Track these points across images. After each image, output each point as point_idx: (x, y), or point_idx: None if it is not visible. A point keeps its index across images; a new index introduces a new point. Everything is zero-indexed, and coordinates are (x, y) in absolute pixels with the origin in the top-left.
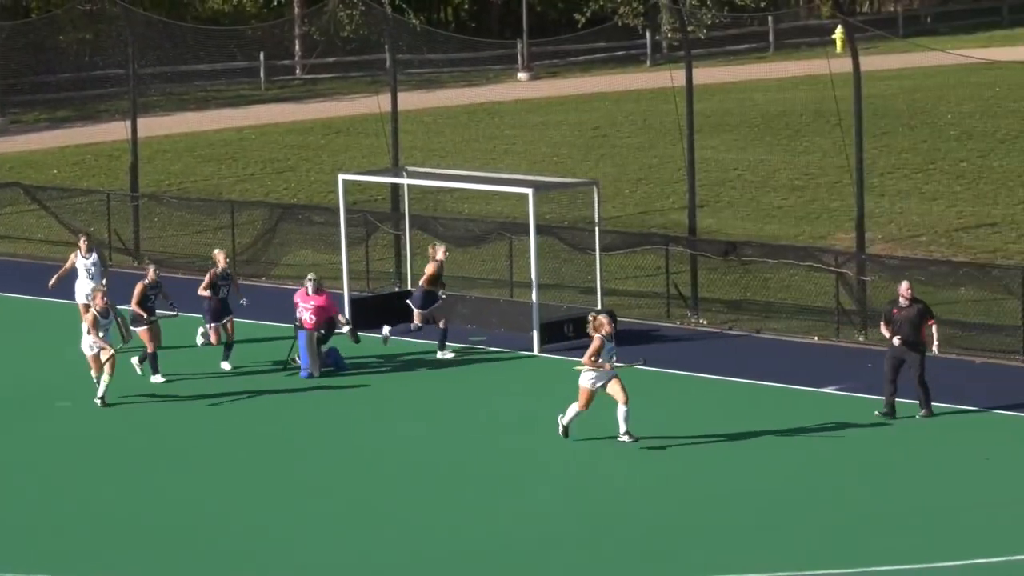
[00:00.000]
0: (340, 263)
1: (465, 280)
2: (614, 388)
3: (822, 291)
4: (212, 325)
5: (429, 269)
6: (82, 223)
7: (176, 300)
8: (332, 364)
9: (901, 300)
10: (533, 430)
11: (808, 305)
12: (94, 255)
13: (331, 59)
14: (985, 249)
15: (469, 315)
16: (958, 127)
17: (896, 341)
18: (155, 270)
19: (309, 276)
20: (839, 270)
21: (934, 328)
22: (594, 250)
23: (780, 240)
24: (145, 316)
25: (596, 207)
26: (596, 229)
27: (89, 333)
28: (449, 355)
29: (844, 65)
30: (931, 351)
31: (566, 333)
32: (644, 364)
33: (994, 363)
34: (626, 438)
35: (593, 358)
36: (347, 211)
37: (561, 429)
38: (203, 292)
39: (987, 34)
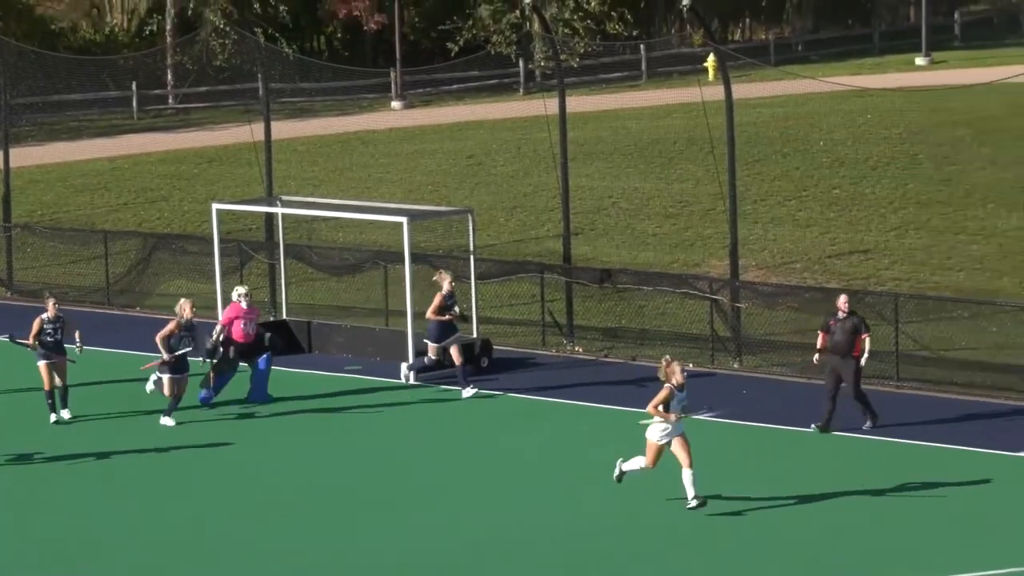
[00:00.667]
0: (215, 292)
1: (340, 309)
2: (678, 448)
3: (697, 318)
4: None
5: (436, 300)
6: None
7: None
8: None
9: (839, 313)
10: (410, 460)
11: (683, 332)
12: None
13: (204, 88)
14: (858, 276)
15: (344, 344)
16: (830, 154)
17: (816, 359)
18: (55, 304)
19: (243, 290)
20: (714, 297)
21: (867, 341)
22: (469, 278)
23: (655, 267)
24: (41, 351)
25: (471, 235)
26: (471, 257)
27: None
28: (471, 392)
29: (716, 93)
30: (861, 364)
31: (442, 360)
32: (709, 413)
33: (867, 388)
34: (694, 503)
35: (659, 407)
36: (221, 240)
37: (617, 472)
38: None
39: (858, 61)
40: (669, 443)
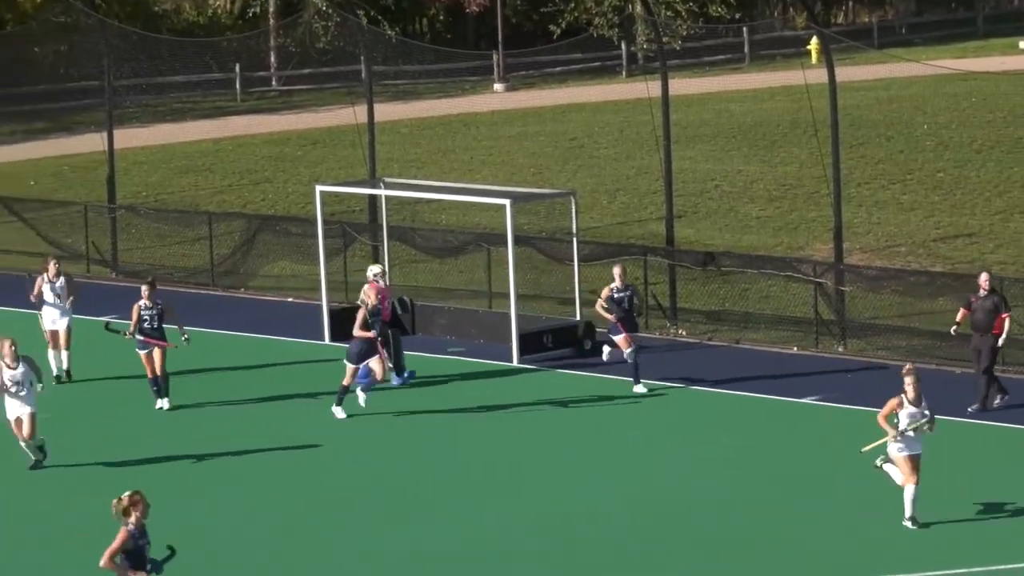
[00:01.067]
0: (318, 274)
1: (443, 291)
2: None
3: (801, 301)
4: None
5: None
6: (60, 235)
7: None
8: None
9: (980, 291)
10: (523, 441)
11: (787, 315)
12: (62, 280)
13: (307, 70)
14: (963, 259)
15: (447, 326)
16: (934, 137)
17: (953, 330)
18: (147, 291)
19: (378, 268)
20: (818, 280)
21: (1007, 322)
22: (572, 261)
23: (759, 251)
24: (139, 338)
25: (574, 218)
26: (574, 240)
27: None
28: (641, 389)
29: (819, 76)
30: (999, 343)
31: (545, 343)
32: (931, 425)
33: (972, 373)
34: (909, 523)
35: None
36: (325, 222)
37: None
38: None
39: (961, 45)
40: (914, 456)
